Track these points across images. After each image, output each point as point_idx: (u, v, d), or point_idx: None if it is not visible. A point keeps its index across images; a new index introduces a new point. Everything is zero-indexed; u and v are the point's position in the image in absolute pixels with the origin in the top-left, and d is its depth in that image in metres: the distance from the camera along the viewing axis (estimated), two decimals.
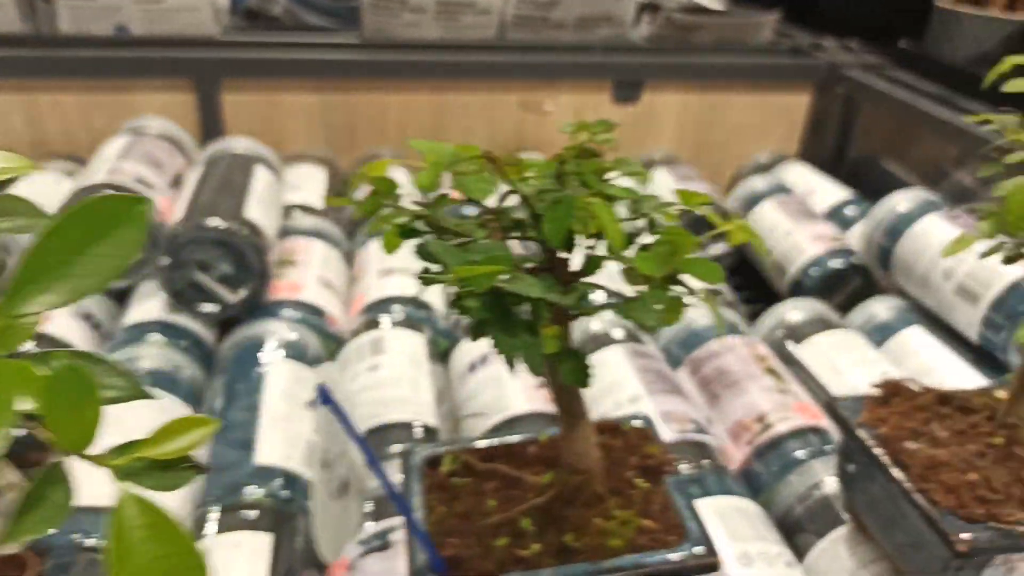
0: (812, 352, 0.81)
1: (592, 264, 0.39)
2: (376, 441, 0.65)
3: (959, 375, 0.78)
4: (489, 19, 1.25)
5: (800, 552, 0.61)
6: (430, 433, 0.67)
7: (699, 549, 0.44)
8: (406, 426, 0.66)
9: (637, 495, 0.47)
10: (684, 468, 0.64)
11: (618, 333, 0.79)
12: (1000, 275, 0.79)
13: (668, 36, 1.31)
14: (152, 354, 0.73)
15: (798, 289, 1.01)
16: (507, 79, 1.22)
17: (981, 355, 0.82)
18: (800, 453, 0.67)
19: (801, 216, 1.07)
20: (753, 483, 0.68)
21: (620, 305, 0.36)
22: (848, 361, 0.79)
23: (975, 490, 0.48)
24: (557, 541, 0.44)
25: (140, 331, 0.78)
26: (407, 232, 0.39)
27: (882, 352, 0.85)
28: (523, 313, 0.39)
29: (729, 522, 0.58)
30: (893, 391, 0.57)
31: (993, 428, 0.52)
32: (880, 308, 0.89)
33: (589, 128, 0.43)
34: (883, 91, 1.16)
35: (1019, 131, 0.48)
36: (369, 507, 0.58)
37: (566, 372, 0.39)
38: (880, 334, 0.87)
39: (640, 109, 1.27)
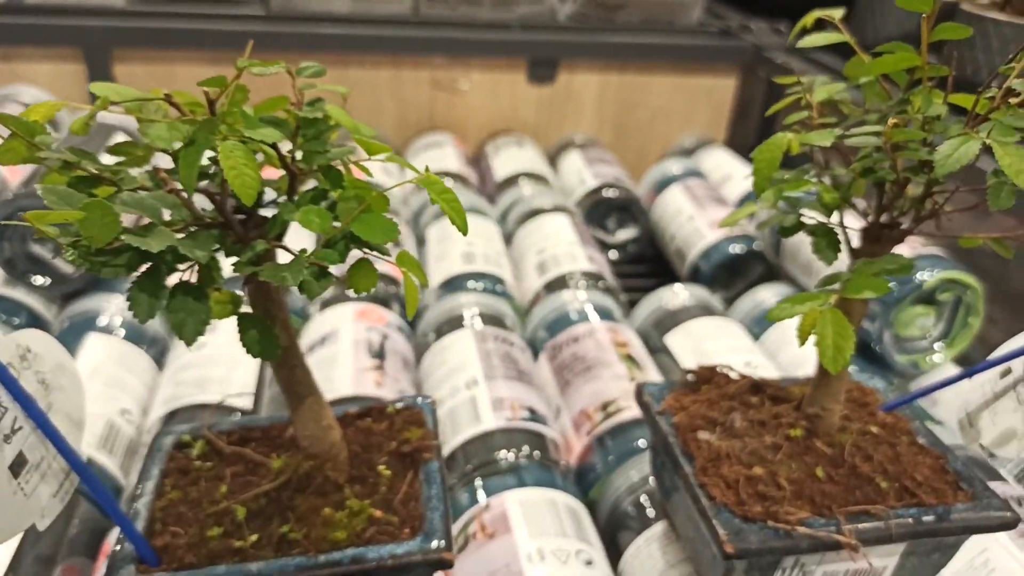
0: (682, 339, 0.77)
1: (275, 222, 0.35)
2: (184, 421, 0.61)
3: None
4: None
5: (620, 550, 0.57)
6: (222, 422, 0.62)
7: (435, 543, 0.40)
8: (215, 408, 0.62)
9: (382, 483, 0.43)
10: (507, 456, 0.60)
11: (473, 317, 0.75)
12: None
13: (591, 15, 1.26)
14: None
15: (696, 276, 0.96)
16: (418, 55, 1.18)
17: (864, 346, 0.78)
18: (641, 443, 0.63)
19: (707, 201, 1.03)
20: (588, 476, 0.64)
21: (274, 266, 0.32)
22: (718, 349, 0.74)
23: (756, 485, 0.44)
24: (277, 532, 0.40)
25: None
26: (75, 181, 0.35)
27: (762, 341, 0.81)
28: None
29: (532, 516, 0.54)
30: (706, 377, 0.53)
31: (796, 419, 0.48)
32: (767, 295, 0.85)
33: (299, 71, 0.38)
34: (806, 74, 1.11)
35: (816, 90, 0.44)
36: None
37: (248, 342, 0.35)
38: (764, 322, 0.83)
39: (557, 89, 1.22)
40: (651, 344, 0.79)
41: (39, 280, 0.75)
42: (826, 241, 0.41)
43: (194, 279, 0.34)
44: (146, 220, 0.33)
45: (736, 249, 0.95)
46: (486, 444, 0.61)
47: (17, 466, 0.38)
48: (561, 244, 0.90)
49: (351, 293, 0.79)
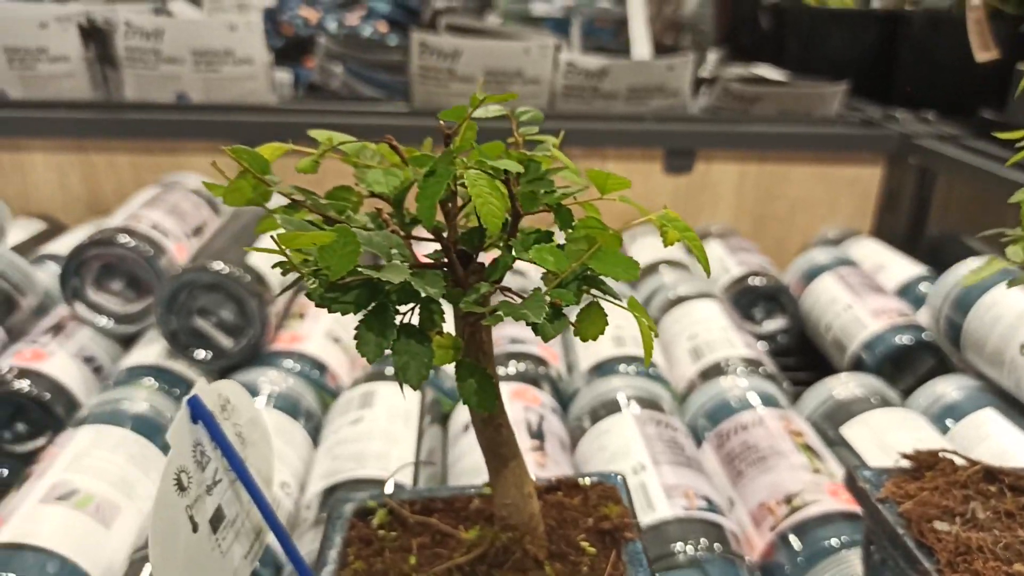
0: (860, 431, 0.71)
1: (500, 264, 0.33)
2: (343, 495, 0.59)
3: None
4: (539, 88, 1.23)
5: None
6: (400, 491, 0.60)
7: None
8: (374, 482, 0.60)
9: (583, 562, 0.39)
10: (686, 549, 0.55)
11: (630, 400, 0.71)
12: None
13: (727, 107, 1.25)
14: (141, 397, 0.70)
15: (859, 368, 0.90)
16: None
17: None
18: (832, 542, 0.56)
19: (864, 290, 0.97)
20: (776, 575, 0.57)
21: (510, 305, 0.30)
22: (902, 442, 0.68)
23: None
24: None
25: (135, 374, 0.76)
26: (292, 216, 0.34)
27: (951, 436, 0.73)
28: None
29: None
30: (928, 464, 0.47)
31: None
32: (948, 387, 0.78)
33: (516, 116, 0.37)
34: (961, 160, 1.06)
35: None
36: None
37: (466, 391, 0.33)
38: (948, 416, 0.75)
39: (694, 179, 1.21)
40: (823, 436, 0.72)
41: (200, 354, 0.76)
42: None
43: (415, 322, 0.33)
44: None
45: (904, 339, 0.88)
46: (661, 534, 0.56)
47: (216, 520, 0.36)
48: (714, 330, 0.86)
49: (500, 372, 0.77)
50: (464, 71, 1.21)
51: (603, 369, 0.81)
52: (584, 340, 0.33)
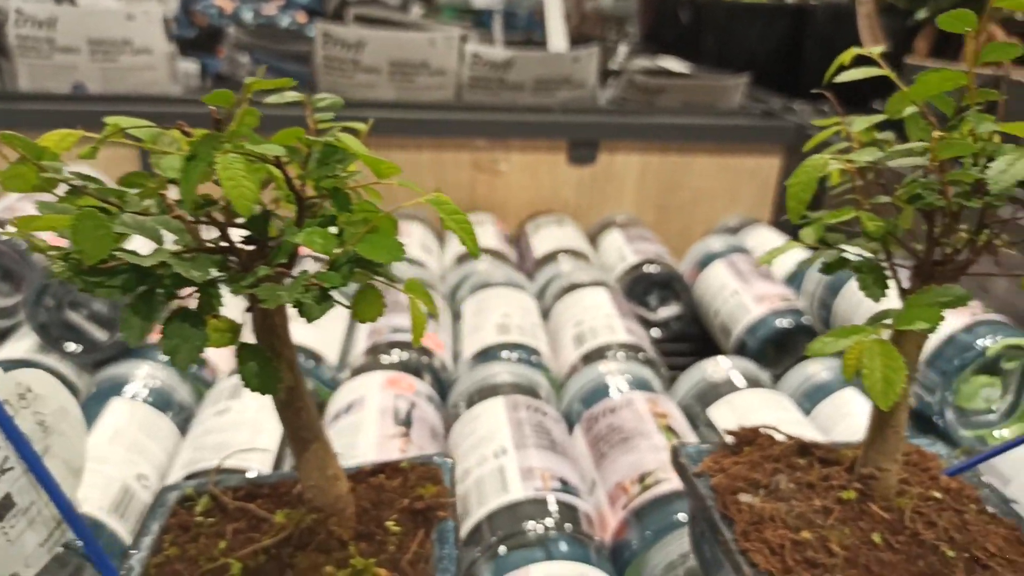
0: (726, 412, 0.73)
1: (282, 249, 0.33)
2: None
3: None
4: (445, 80, 1.24)
5: None
6: (228, 478, 0.60)
7: None
8: (233, 471, 0.60)
9: (390, 541, 0.40)
10: (536, 528, 0.56)
11: (502, 385, 0.72)
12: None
13: (632, 99, 1.27)
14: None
15: (743, 352, 0.92)
16: (460, 138, 1.20)
17: (924, 421, 0.72)
18: (679, 517, 0.58)
19: (752, 276, 0.99)
20: (624, 553, 0.59)
21: (269, 287, 0.30)
22: (764, 421, 0.69)
23: (805, 551, 0.39)
24: None
25: (4, 368, 0.74)
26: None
27: (814, 415, 0.76)
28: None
29: None
30: (748, 440, 0.49)
31: (848, 481, 0.43)
32: (818, 368, 0.80)
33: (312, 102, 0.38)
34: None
35: (856, 122, 0.42)
36: None
37: (247, 375, 0.33)
38: (815, 396, 0.78)
39: (598, 170, 1.22)
40: (694, 418, 0.75)
41: (72, 347, 0.75)
42: (872, 277, 0.38)
43: (194, 306, 0.33)
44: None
45: (784, 323, 0.91)
46: (514, 515, 0.57)
47: (2, 508, 0.36)
48: (599, 316, 0.88)
49: (385, 361, 0.77)
50: (368, 62, 1.20)
51: (486, 356, 0.81)
52: (362, 321, 0.33)
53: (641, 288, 1.05)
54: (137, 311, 0.31)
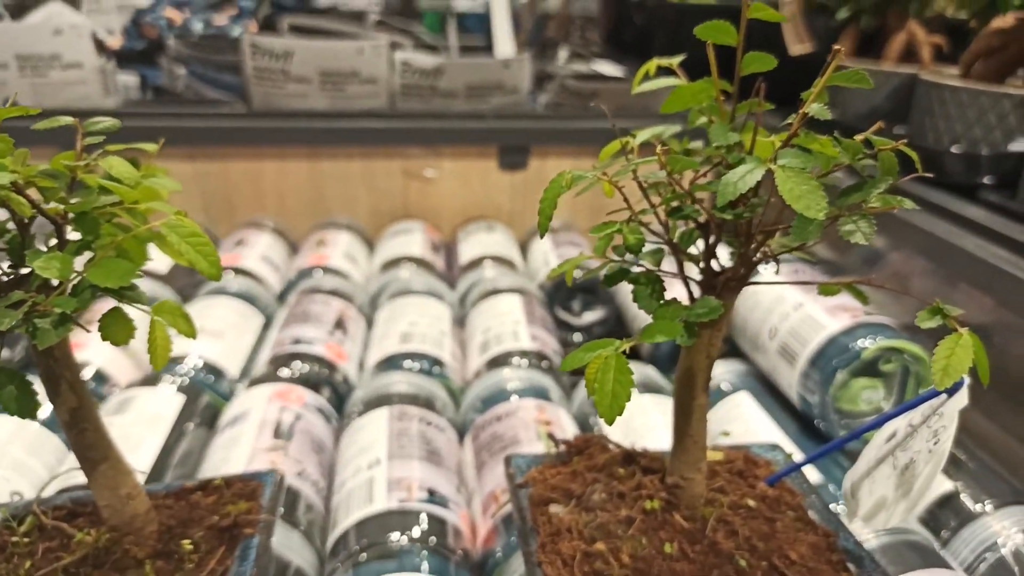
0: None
1: (35, 277, 0.34)
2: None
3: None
4: (376, 88, 1.24)
5: None
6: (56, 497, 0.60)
7: None
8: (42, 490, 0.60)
9: (189, 559, 0.40)
10: (400, 540, 0.56)
11: (394, 395, 0.72)
12: (817, 330, 0.70)
13: (565, 104, 1.28)
14: None
15: (655, 355, 0.92)
16: (391, 146, 1.20)
17: (808, 424, 0.72)
18: None
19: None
20: (488, 562, 0.59)
21: (25, 315, 0.31)
22: (647, 425, 0.70)
23: (594, 562, 0.39)
24: None
25: None
26: None
27: (709, 417, 0.76)
28: None
29: None
30: (580, 448, 0.49)
31: (657, 491, 0.43)
32: (720, 371, 0.81)
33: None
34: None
35: (640, 133, 0.42)
36: None
37: (5, 399, 0.33)
38: (716, 399, 0.78)
39: (530, 175, 1.23)
40: (589, 425, 0.75)
41: None
42: (649, 289, 0.38)
43: None
44: None
45: None
46: (378, 525, 0.58)
47: None
48: (507, 323, 0.88)
49: (281, 373, 0.78)
50: (298, 72, 1.21)
51: (387, 365, 0.82)
52: (115, 344, 0.33)
53: (564, 293, 1.05)
54: None
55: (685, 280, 0.41)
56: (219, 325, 0.87)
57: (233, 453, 0.64)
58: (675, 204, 0.37)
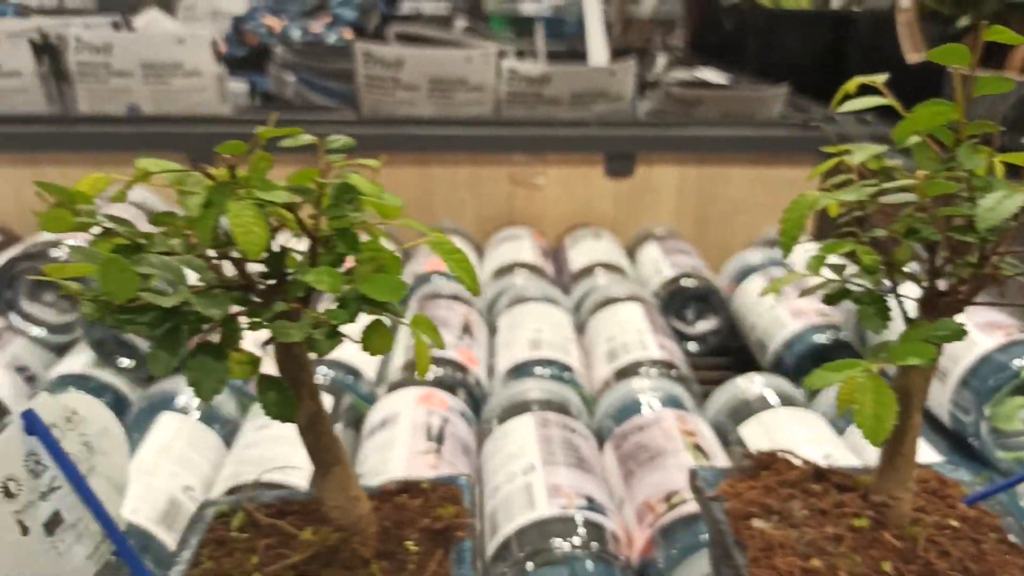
0: (756, 430, 0.73)
1: (295, 286, 0.35)
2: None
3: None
4: (483, 96, 1.26)
5: None
6: (261, 494, 0.62)
7: None
8: (272, 485, 0.62)
9: (410, 560, 0.41)
10: (562, 546, 0.57)
11: (533, 402, 0.74)
12: (970, 347, 0.69)
13: (669, 111, 1.28)
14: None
15: (779, 367, 0.92)
16: (497, 153, 1.22)
17: (959, 442, 0.71)
18: (704, 538, 0.59)
19: (789, 291, 0.99)
20: (649, 572, 0.60)
21: (281, 324, 0.32)
22: (794, 440, 0.70)
23: None
24: None
25: (62, 383, 0.78)
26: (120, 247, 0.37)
27: (848, 433, 0.75)
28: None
29: None
30: (765, 463, 0.49)
31: (862, 508, 0.44)
32: None
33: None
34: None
35: (856, 152, 0.42)
36: None
37: (266, 403, 0.35)
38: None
39: (635, 182, 1.23)
40: (726, 435, 0.75)
41: (125, 362, 0.79)
42: (874, 309, 0.38)
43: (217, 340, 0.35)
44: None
45: (821, 339, 0.90)
46: (541, 532, 0.59)
47: (53, 524, 0.39)
48: (631, 332, 0.88)
49: (417, 377, 0.79)
50: (408, 79, 1.23)
51: (518, 372, 0.83)
52: (373, 355, 0.35)
53: (678, 302, 1.05)
54: (163, 346, 0.33)
55: (899, 299, 0.41)
56: (348, 328, 0.89)
57: (390, 456, 0.66)
58: (912, 226, 0.37)
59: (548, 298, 0.97)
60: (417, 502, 0.46)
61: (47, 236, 0.90)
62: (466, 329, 0.90)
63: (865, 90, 0.43)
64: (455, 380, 0.81)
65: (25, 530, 0.37)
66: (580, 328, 0.97)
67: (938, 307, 0.39)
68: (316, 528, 0.43)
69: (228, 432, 0.75)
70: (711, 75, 1.33)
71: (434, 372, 0.81)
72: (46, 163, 1.19)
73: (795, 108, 1.35)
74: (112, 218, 0.36)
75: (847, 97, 0.43)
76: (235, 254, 0.36)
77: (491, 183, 1.23)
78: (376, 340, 0.34)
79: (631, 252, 1.21)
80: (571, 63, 1.43)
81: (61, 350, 0.87)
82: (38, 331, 0.85)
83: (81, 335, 0.84)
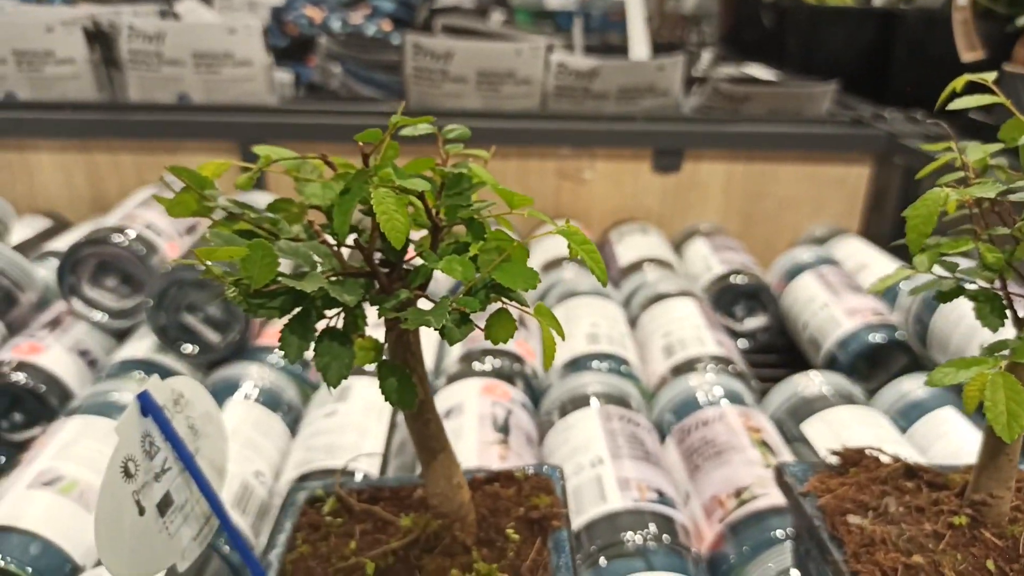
0: (820, 428, 0.73)
1: (419, 273, 0.36)
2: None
3: None
4: (530, 89, 1.26)
5: None
6: (350, 480, 0.63)
7: None
8: (341, 473, 0.63)
9: (510, 548, 0.42)
10: (634, 539, 0.57)
11: (596, 396, 0.74)
12: None
13: (717, 107, 1.27)
14: (130, 390, 0.74)
15: (833, 366, 0.91)
16: (544, 147, 1.21)
17: None
18: (776, 533, 0.58)
19: (843, 289, 0.98)
20: (721, 566, 0.60)
21: (418, 311, 0.33)
22: (860, 439, 0.69)
23: (917, 575, 0.39)
24: None
25: (125, 368, 0.79)
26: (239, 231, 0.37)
27: (911, 434, 0.75)
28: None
29: None
30: (853, 460, 0.49)
31: (959, 507, 0.43)
32: (912, 385, 0.79)
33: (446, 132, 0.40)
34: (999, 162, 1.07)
35: (971, 151, 0.42)
36: None
37: (387, 390, 0.36)
38: (911, 413, 0.77)
39: (682, 178, 1.23)
40: (785, 433, 0.75)
41: (188, 348, 0.80)
42: (990, 307, 0.38)
43: (340, 326, 0.35)
44: (301, 270, 0.35)
45: (877, 338, 0.90)
46: (612, 524, 0.59)
47: (164, 505, 0.39)
48: (687, 327, 0.88)
49: (476, 367, 0.80)
50: (457, 72, 1.23)
51: (576, 365, 0.83)
52: (494, 343, 0.35)
53: (728, 298, 1.05)
54: (294, 330, 0.33)
55: (1009, 298, 0.40)
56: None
57: (460, 446, 0.66)
58: None
59: (599, 292, 0.97)
60: (510, 491, 0.46)
61: (108, 222, 0.91)
62: (521, 320, 0.90)
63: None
64: (513, 371, 0.81)
65: (142, 510, 0.37)
66: (631, 323, 0.97)
67: None
68: (415, 514, 0.43)
69: (291, 419, 0.75)
70: (759, 71, 1.32)
71: (492, 363, 0.81)
72: (96, 150, 1.20)
73: (842, 105, 1.34)
74: (237, 203, 0.36)
75: (953, 95, 0.43)
76: (349, 242, 0.37)
77: (538, 177, 1.23)
78: (500, 329, 0.35)
79: (677, 248, 1.21)
80: (613, 57, 1.43)
81: (121, 336, 0.88)
82: (99, 316, 0.86)
83: (144, 320, 0.85)
